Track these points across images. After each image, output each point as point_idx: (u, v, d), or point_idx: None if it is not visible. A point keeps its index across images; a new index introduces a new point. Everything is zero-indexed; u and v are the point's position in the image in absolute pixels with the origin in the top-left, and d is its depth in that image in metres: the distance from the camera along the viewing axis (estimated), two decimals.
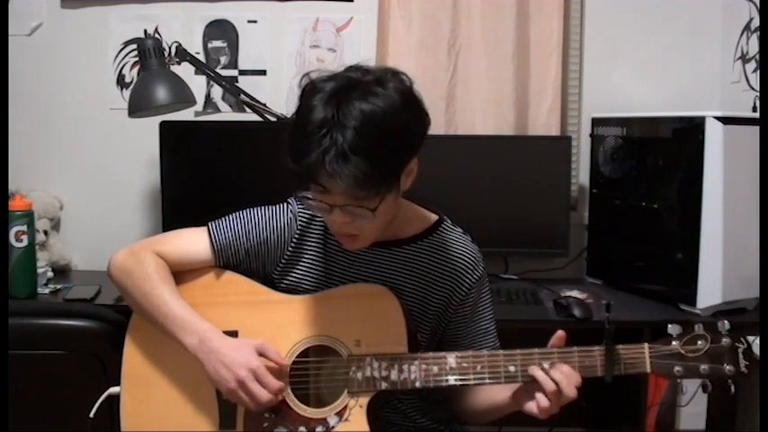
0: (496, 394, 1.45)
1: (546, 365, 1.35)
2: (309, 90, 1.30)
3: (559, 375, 1.33)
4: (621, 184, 2.41)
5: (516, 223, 2.53)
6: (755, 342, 1.73)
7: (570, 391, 1.32)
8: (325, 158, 1.22)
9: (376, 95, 1.26)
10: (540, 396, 1.34)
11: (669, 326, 1.36)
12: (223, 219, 1.52)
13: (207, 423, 1.41)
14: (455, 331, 1.52)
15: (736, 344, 1.34)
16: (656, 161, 2.28)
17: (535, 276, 2.58)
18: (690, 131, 2.15)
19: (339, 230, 1.39)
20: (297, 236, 1.50)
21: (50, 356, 1.60)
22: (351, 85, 1.28)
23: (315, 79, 1.32)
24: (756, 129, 2.10)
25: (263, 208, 1.52)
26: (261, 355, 1.36)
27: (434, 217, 1.53)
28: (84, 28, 2.65)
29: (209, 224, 1.52)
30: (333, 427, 1.38)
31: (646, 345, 1.36)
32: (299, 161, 1.26)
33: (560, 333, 1.38)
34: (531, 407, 1.36)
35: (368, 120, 1.24)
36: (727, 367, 1.33)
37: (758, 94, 2.36)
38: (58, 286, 2.35)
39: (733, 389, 1.34)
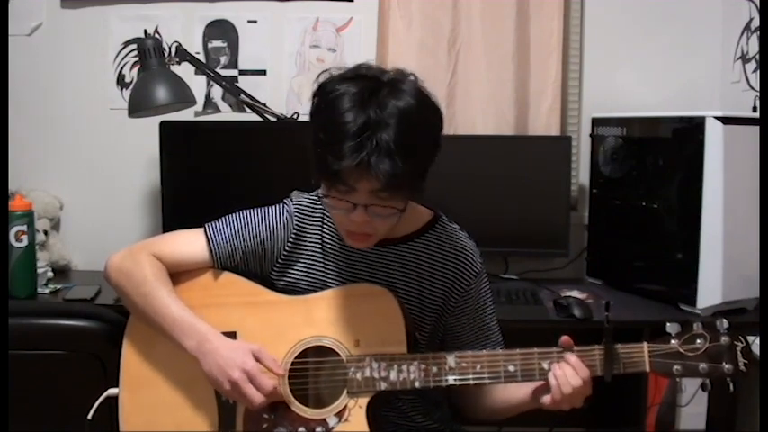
0: (515, 393, 1.45)
1: (545, 365, 1.35)
2: (331, 94, 1.29)
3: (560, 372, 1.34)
4: (621, 184, 2.41)
5: (516, 223, 2.52)
6: (755, 342, 1.73)
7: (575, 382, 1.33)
8: (370, 158, 1.23)
9: (405, 93, 1.29)
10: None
11: (668, 324, 1.36)
12: (220, 220, 1.52)
13: (206, 424, 1.41)
14: (457, 328, 1.52)
15: (735, 342, 1.34)
16: (656, 161, 2.27)
17: (535, 276, 2.58)
18: (690, 131, 2.15)
19: (357, 229, 1.37)
20: (293, 235, 1.50)
21: (50, 356, 1.60)
22: (378, 85, 1.29)
23: (331, 82, 1.31)
24: (756, 129, 2.09)
25: (259, 209, 1.52)
26: (257, 359, 1.36)
27: (430, 214, 1.54)
28: (84, 28, 2.65)
29: (206, 226, 1.52)
30: (332, 427, 1.38)
31: (645, 344, 1.36)
32: (334, 163, 1.24)
33: (566, 338, 1.38)
34: (546, 399, 1.36)
35: (406, 116, 1.26)
36: (726, 366, 1.33)
37: (758, 94, 2.36)
38: (58, 286, 2.35)
39: (732, 387, 1.34)
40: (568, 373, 1.33)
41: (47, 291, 2.31)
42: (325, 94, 1.31)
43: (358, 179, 1.26)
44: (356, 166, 1.23)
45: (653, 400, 2.17)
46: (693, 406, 2.13)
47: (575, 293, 2.31)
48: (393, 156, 1.23)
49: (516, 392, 1.45)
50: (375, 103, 1.26)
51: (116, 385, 1.46)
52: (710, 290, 2.12)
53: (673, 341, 1.35)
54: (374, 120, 1.24)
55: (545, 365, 1.36)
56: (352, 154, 1.23)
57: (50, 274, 2.45)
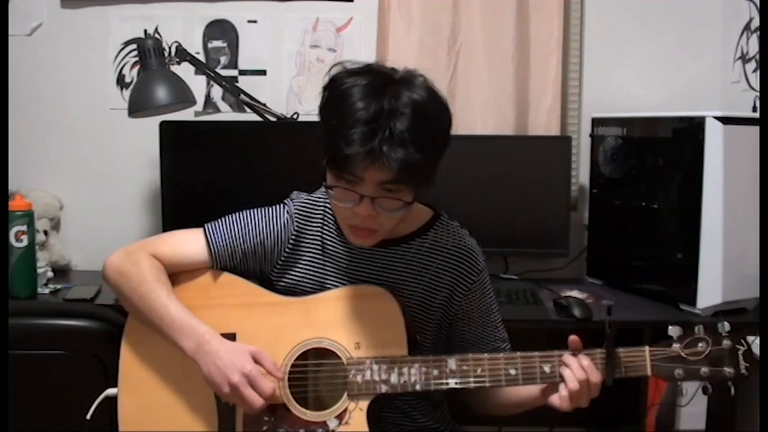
0: (519, 391, 1.45)
1: (546, 368, 1.35)
2: (344, 85, 1.30)
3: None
4: (621, 184, 2.41)
5: (516, 223, 2.53)
6: (755, 342, 1.73)
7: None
8: (382, 146, 1.24)
9: (418, 86, 1.31)
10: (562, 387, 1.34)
11: (670, 328, 1.36)
12: (219, 220, 1.52)
13: (205, 425, 1.41)
14: (462, 326, 1.51)
15: (737, 346, 1.33)
16: (656, 161, 2.27)
17: (535, 276, 2.58)
18: (690, 131, 2.15)
19: (361, 223, 1.37)
20: (294, 236, 1.49)
21: (50, 356, 1.59)
22: (390, 79, 1.31)
23: (343, 75, 1.33)
24: (756, 129, 2.09)
25: (259, 209, 1.52)
26: (256, 362, 1.35)
27: (430, 213, 1.53)
28: (84, 28, 2.65)
29: (206, 226, 1.51)
30: (333, 430, 1.37)
31: (646, 348, 1.35)
32: (345, 149, 1.25)
33: (574, 338, 1.37)
34: (554, 399, 1.36)
35: (419, 108, 1.28)
36: (728, 370, 1.33)
37: (758, 94, 2.35)
38: (58, 286, 2.35)
39: (733, 391, 1.34)
40: (575, 368, 1.33)
41: (47, 291, 2.31)
42: (336, 86, 1.32)
43: (367, 168, 1.27)
44: (367, 154, 1.24)
45: (653, 401, 2.17)
46: (693, 406, 2.13)
47: (575, 293, 2.31)
48: (406, 145, 1.25)
49: (520, 392, 1.45)
50: (389, 94, 1.28)
51: (116, 385, 1.46)
52: (710, 290, 2.12)
53: (675, 345, 1.35)
54: (388, 108, 1.26)
55: (546, 369, 1.35)
56: (363, 140, 1.24)
57: (50, 274, 2.45)
